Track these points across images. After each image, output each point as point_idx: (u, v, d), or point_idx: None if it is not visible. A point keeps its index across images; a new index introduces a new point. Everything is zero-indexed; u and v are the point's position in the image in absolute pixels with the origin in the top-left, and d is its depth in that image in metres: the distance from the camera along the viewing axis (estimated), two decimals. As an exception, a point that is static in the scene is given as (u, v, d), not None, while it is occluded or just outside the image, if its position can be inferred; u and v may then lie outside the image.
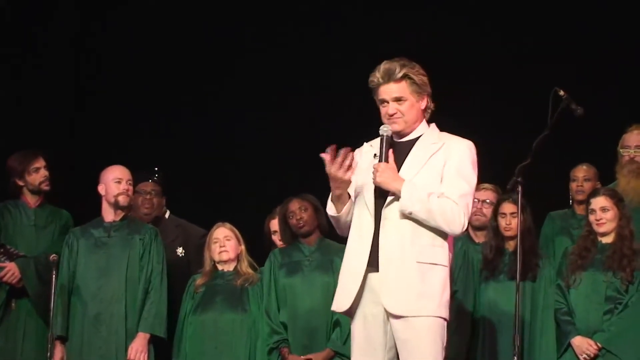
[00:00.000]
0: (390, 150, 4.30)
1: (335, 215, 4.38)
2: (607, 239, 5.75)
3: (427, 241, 4.24)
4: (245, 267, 6.07)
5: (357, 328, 4.31)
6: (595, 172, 6.50)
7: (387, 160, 4.27)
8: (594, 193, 5.86)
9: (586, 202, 5.88)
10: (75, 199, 6.67)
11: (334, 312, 5.79)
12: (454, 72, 6.95)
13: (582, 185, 6.46)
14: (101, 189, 6.05)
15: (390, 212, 4.25)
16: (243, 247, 6.10)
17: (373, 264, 4.25)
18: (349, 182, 4.28)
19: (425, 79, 4.35)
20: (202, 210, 7.08)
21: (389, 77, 4.30)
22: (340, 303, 4.33)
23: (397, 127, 4.33)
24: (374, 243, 4.25)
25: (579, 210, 6.39)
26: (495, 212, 5.93)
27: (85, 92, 8.10)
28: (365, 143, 4.46)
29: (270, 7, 7.88)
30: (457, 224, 4.21)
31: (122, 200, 6.03)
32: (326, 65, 7.73)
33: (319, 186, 6.17)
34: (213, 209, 7.18)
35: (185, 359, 5.96)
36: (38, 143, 6.47)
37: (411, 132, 4.37)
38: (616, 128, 6.39)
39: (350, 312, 4.32)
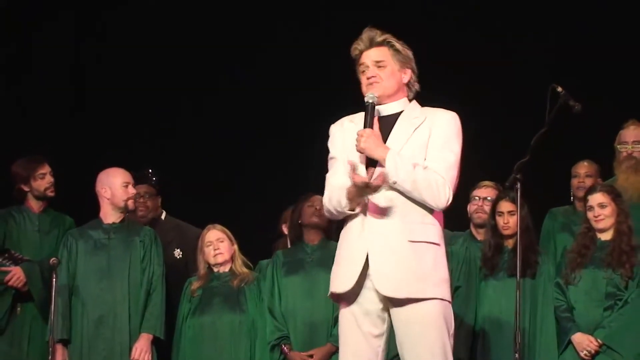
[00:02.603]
0: (376, 118, 4.17)
1: (350, 212, 4.17)
2: (606, 236, 5.75)
3: (418, 219, 4.08)
4: (239, 266, 6.07)
5: (347, 317, 4.15)
6: (597, 169, 6.49)
7: (371, 127, 4.12)
8: (591, 190, 5.87)
9: (584, 199, 5.89)
10: (71, 201, 6.68)
11: (334, 308, 5.84)
12: (451, 70, 6.96)
13: (583, 182, 6.44)
14: (104, 191, 6.06)
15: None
16: (236, 246, 6.11)
17: (367, 244, 4.07)
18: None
19: (409, 53, 4.26)
20: (199, 211, 7.09)
21: (370, 42, 4.23)
22: (344, 284, 4.11)
23: (375, 90, 4.18)
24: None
25: (580, 206, 6.34)
26: (493, 211, 5.94)
27: (85, 92, 8.12)
28: (343, 118, 4.35)
29: (270, 7, 7.89)
30: (442, 197, 4.06)
31: (131, 204, 6.08)
32: (325, 65, 7.73)
33: (317, 186, 6.23)
34: (209, 208, 7.20)
35: (185, 362, 5.99)
36: (36, 145, 6.50)
37: (391, 103, 4.24)
38: (614, 124, 6.40)
39: (347, 297, 4.13)
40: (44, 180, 6.21)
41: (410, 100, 4.30)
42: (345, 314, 4.19)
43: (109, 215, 6.09)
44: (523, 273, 5.46)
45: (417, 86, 4.31)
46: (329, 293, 4.24)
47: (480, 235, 6.15)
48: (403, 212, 4.07)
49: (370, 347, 4.15)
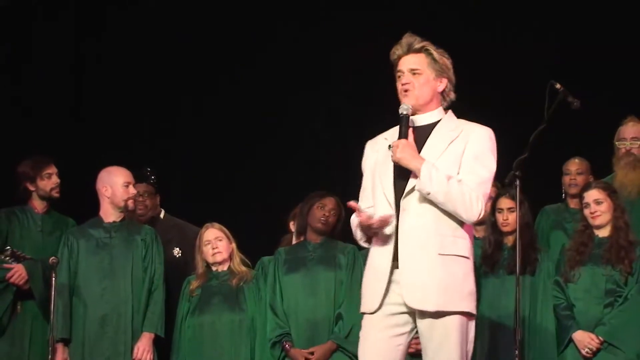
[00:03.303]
0: (410, 129, 4.19)
1: (364, 245, 4.30)
2: (604, 233, 5.75)
3: (448, 232, 4.14)
4: (237, 264, 6.07)
5: (371, 318, 4.20)
6: (588, 166, 6.50)
7: (406, 138, 4.16)
8: (586, 187, 5.87)
9: (579, 196, 5.88)
10: (71, 201, 6.69)
11: (336, 306, 5.84)
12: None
13: (575, 179, 6.46)
14: (105, 190, 6.07)
15: (409, 203, 4.15)
16: (234, 245, 6.10)
17: (396, 259, 4.14)
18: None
19: (447, 62, 4.29)
20: (198, 209, 7.09)
21: (408, 48, 4.25)
22: (370, 304, 4.20)
23: (407, 100, 4.21)
24: (396, 239, 4.16)
25: (572, 204, 6.39)
26: (493, 208, 5.94)
27: (84, 92, 8.13)
28: (380, 135, 4.39)
29: (271, 7, 7.89)
30: (474, 211, 4.10)
31: (131, 204, 6.09)
32: (325, 65, 7.75)
33: (316, 185, 6.25)
34: (208, 207, 7.20)
35: (184, 361, 5.99)
36: (36, 145, 6.50)
37: (426, 114, 4.28)
38: (612, 120, 6.40)
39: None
40: (50, 180, 6.22)
41: (445, 110, 4.33)
42: (367, 316, 4.25)
43: (110, 214, 6.09)
44: (523, 270, 5.47)
45: (452, 95, 4.34)
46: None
47: (479, 232, 6.14)
48: (434, 225, 4.13)
49: (390, 347, 4.20)
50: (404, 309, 4.16)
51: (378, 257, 4.21)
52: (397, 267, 4.14)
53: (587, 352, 5.62)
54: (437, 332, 4.11)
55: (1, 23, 7.63)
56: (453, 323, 4.11)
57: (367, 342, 4.22)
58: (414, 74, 4.24)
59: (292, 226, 6.36)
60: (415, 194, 4.14)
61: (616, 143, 6.31)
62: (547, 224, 6.48)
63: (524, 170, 4.78)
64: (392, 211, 4.15)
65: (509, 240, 5.89)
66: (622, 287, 5.64)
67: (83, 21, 8.06)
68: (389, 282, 4.15)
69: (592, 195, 5.76)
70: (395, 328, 4.18)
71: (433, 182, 4.07)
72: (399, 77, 4.27)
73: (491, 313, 5.81)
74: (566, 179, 6.52)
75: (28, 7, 7.75)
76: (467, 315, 4.15)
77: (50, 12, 7.89)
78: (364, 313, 4.25)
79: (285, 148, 7.73)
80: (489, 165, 4.21)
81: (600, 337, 5.60)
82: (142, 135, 7.91)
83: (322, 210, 6.02)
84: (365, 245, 4.33)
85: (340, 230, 6.08)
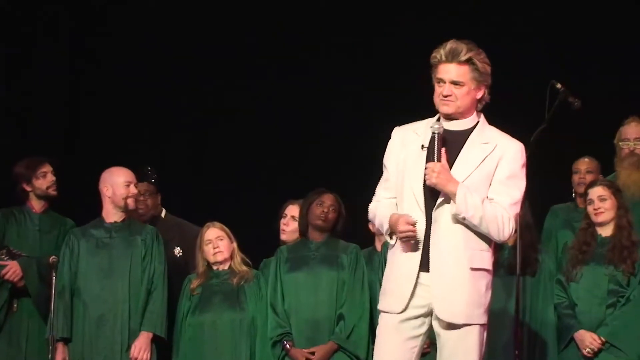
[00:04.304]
0: (443, 150, 4.18)
1: (388, 239, 4.28)
2: (607, 232, 5.73)
3: (477, 246, 4.20)
4: (238, 263, 6.06)
5: (388, 320, 4.23)
6: (597, 165, 6.47)
7: (439, 160, 4.15)
8: (591, 184, 5.87)
9: (584, 194, 5.87)
10: (72, 201, 6.70)
11: (337, 306, 5.82)
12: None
13: (584, 178, 6.42)
14: (106, 190, 6.07)
15: (441, 215, 4.16)
16: (235, 244, 6.10)
17: (424, 265, 4.17)
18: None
19: (488, 68, 4.26)
20: (199, 209, 7.09)
21: (452, 57, 4.17)
22: (394, 305, 4.22)
23: (447, 109, 4.20)
24: (424, 245, 4.18)
25: (582, 203, 6.34)
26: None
27: (82, 94, 8.13)
28: (408, 125, 4.35)
29: (270, 8, 7.88)
30: (506, 232, 4.19)
31: (131, 203, 6.09)
32: (324, 64, 7.73)
33: (314, 185, 6.23)
34: (208, 206, 7.20)
35: (185, 361, 5.98)
36: (35, 146, 6.51)
37: (462, 120, 4.26)
38: (614, 120, 6.37)
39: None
40: (45, 179, 6.24)
41: (479, 113, 4.32)
42: (385, 316, 4.28)
43: (111, 214, 6.09)
44: (523, 271, 5.45)
45: (487, 98, 4.34)
46: (378, 308, 4.34)
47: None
48: (465, 239, 4.18)
49: (406, 349, 4.23)
50: (422, 311, 4.21)
51: (406, 260, 4.21)
52: (427, 271, 4.17)
53: (588, 352, 5.61)
54: (455, 343, 4.18)
55: (1, 22, 7.64)
56: (473, 333, 4.19)
57: (384, 344, 4.26)
58: (456, 85, 4.20)
59: (288, 210, 6.29)
60: (447, 207, 4.16)
61: (619, 143, 6.29)
62: (556, 223, 6.45)
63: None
64: (422, 215, 4.17)
65: (509, 240, 5.86)
66: (625, 287, 5.63)
67: (83, 21, 8.05)
68: (415, 285, 4.18)
69: (597, 192, 5.74)
70: (412, 330, 4.22)
71: (469, 207, 4.10)
72: (440, 85, 4.22)
73: (492, 313, 5.77)
74: (575, 178, 6.49)
75: (27, 6, 7.76)
76: (484, 326, 4.25)
77: (48, 12, 7.89)
78: (384, 312, 4.27)
79: (286, 146, 7.72)
80: (521, 185, 4.26)
81: (602, 338, 5.59)
82: (143, 135, 7.91)
83: (321, 207, 6.01)
84: (388, 239, 4.28)
85: (342, 230, 6.06)
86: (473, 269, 4.17)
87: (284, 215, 6.24)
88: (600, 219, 5.73)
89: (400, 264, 4.23)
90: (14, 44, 7.75)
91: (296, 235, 6.16)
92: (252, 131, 7.81)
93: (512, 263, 5.58)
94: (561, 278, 5.74)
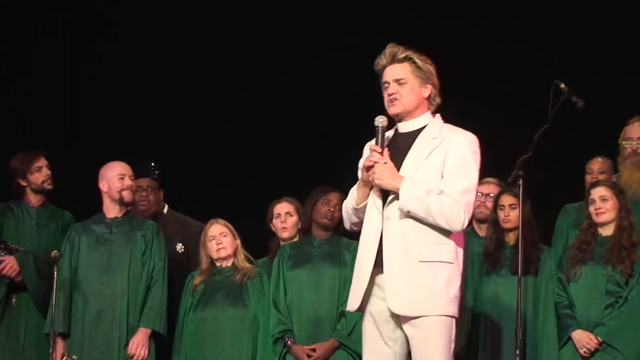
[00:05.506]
0: (386, 149, 4.27)
1: (356, 207, 4.35)
2: (607, 232, 5.73)
3: (431, 239, 4.22)
4: (241, 260, 6.06)
5: (367, 325, 4.33)
6: (611, 165, 6.41)
7: (382, 152, 4.24)
8: (593, 184, 5.86)
9: (586, 194, 5.87)
10: (74, 197, 6.69)
11: (339, 303, 5.83)
12: (454, 67, 6.93)
13: (596, 178, 6.34)
14: (103, 185, 6.06)
15: (391, 211, 4.24)
16: (238, 241, 6.10)
17: (380, 264, 4.23)
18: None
19: (431, 68, 4.34)
20: (201, 205, 7.08)
21: (392, 58, 4.33)
22: (351, 303, 4.35)
23: (395, 109, 4.31)
24: (380, 243, 4.25)
25: (592, 203, 6.35)
26: (495, 205, 5.93)
27: (82, 91, 8.12)
28: (369, 143, 4.44)
29: (270, 8, 7.88)
30: (456, 221, 4.19)
31: (127, 195, 6.05)
32: (322, 63, 7.74)
33: (315, 183, 6.24)
34: (211, 203, 7.20)
35: (186, 357, 5.96)
36: (36, 142, 6.51)
37: (413, 120, 4.34)
38: (618, 120, 6.37)
39: (362, 310, 4.34)
40: (40, 173, 6.21)
41: (433, 114, 4.37)
42: (366, 314, 4.35)
43: (111, 210, 6.09)
44: (525, 270, 5.45)
45: (438, 100, 4.38)
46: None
47: (482, 230, 6.13)
48: (417, 233, 4.21)
49: (385, 348, 4.30)
50: (391, 313, 4.25)
51: (364, 258, 4.30)
52: (382, 273, 4.23)
53: (584, 352, 5.61)
54: (420, 336, 4.20)
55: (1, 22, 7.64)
56: (437, 324, 4.19)
57: (365, 349, 4.35)
58: (400, 83, 4.30)
59: (276, 209, 6.29)
60: (397, 203, 4.21)
61: (622, 143, 6.28)
62: (567, 223, 6.41)
63: (527, 169, 4.77)
64: (379, 215, 4.25)
65: (510, 239, 5.88)
66: (623, 288, 5.62)
67: (83, 20, 8.05)
68: (373, 285, 4.26)
69: (599, 192, 5.74)
70: (386, 333, 4.29)
71: (412, 200, 4.16)
72: (385, 87, 4.34)
73: (493, 312, 5.79)
74: (588, 178, 6.42)
75: (26, 6, 7.75)
76: (450, 318, 4.24)
77: (47, 11, 7.89)
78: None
79: (288, 144, 7.72)
80: (472, 174, 4.26)
81: (599, 338, 5.58)
82: (145, 131, 7.90)
83: (327, 205, 6.02)
84: (353, 229, 4.42)
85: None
86: (425, 261, 4.18)
87: (276, 215, 6.23)
88: (601, 219, 5.73)
89: (359, 262, 4.33)
90: (14, 44, 7.74)
91: (297, 229, 6.17)
92: (252, 131, 7.81)
93: (513, 261, 5.60)
94: (561, 276, 5.74)
